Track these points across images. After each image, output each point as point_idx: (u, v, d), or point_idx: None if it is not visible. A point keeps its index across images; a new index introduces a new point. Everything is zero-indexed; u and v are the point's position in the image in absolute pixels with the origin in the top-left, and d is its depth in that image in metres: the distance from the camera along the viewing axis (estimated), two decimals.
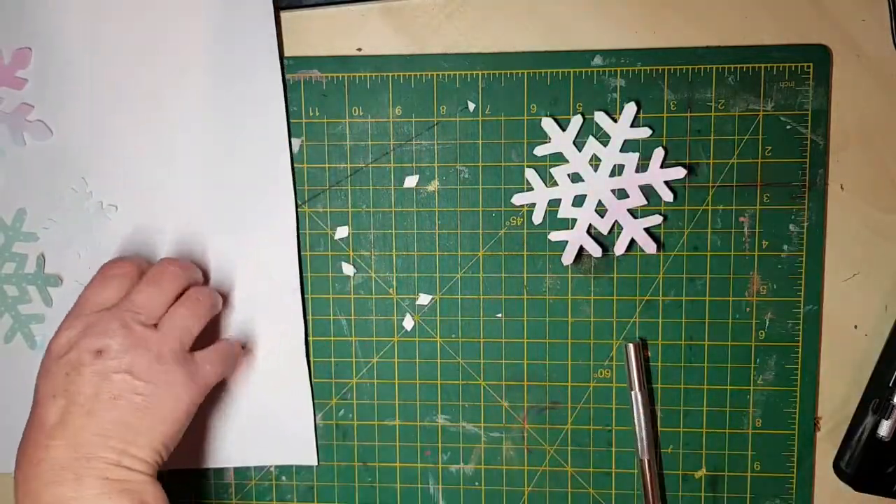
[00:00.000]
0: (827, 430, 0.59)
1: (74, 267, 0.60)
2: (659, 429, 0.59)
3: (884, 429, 0.55)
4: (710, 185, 0.57)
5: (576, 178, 0.58)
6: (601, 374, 0.59)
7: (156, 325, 0.53)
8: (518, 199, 0.58)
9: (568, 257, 0.58)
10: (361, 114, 0.59)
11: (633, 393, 0.58)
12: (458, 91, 0.58)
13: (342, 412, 0.61)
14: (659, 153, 0.57)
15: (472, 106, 0.58)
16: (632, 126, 0.57)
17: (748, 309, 0.58)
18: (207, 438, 0.61)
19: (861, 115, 0.56)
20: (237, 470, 0.62)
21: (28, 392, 0.52)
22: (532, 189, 0.58)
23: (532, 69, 0.57)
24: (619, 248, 0.58)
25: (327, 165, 0.59)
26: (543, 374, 0.60)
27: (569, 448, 0.60)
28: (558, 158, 0.58)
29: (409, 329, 0.60)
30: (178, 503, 0.62)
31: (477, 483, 0.61)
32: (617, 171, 0.57)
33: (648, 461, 0.58)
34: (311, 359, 0.61)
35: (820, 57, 0.56)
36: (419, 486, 0.61)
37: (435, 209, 0.59)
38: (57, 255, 0.60)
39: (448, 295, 0.60)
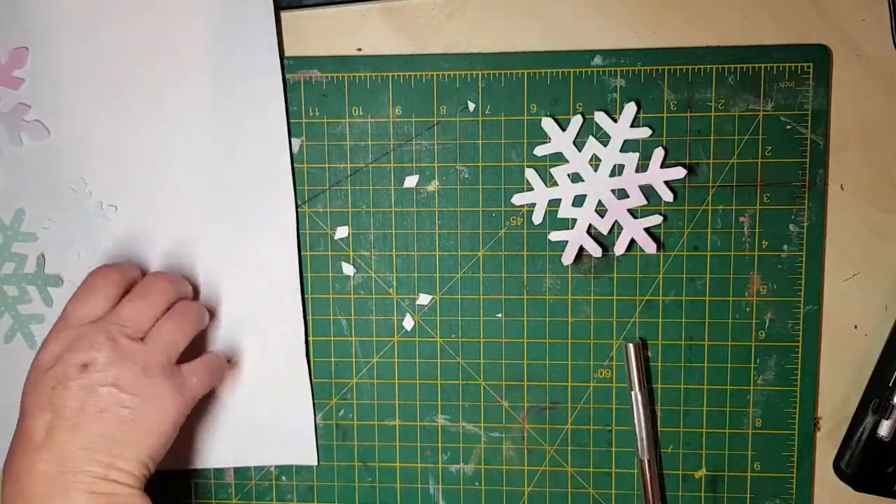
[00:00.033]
0: (827, 430, 0.59)
1: (74, 267, 0.60)
2: (659, 429, 0.59)
3: (884, 429, 0.55)
4: (710, 185, 0.57)
5: (576, 178, 0.58)
6: (601, 374, 0.59)
7: (142, 339, 0.53)
8: (518, 199, 0.58)
9: (568, 257, 0.58)
10: (361, 114, 0.59)
11: (633, 393, 0.58)
12: (458, 91, 0.58)
13: (342, 412, 0.61)
14: (659, 153, 0.57)
15: (472, 106, 0.58)
16: (632, 126, 0.57)
17: (748, 309, 0.58)
18: (207, 438, 0.61)
19: (861, 115, 0.56)
20: (237, 470, 0.62)
21: None
22: (532, 189, 0.58)
23: (532, 69, 0.57)
24: (619, 248, 0.58)
25: (327, 165, 0.59)
26: (543, 374, 0.60)
27: (569, 448, 0.60)
28: (558, 158, 0.58)
29: (409, 329, 0.60)
30: (178, 503, 0.62)
31: (477, 483, 0.61)
32: (617, 171, 0.57)
33: (648, 461, 0.58)
34: (311, 359, 0.61)
35: (820, 57, 0.56)
36: (419, 486, 0.61)
37: (435, 209, 0.59)
38: (57, 255, 0.60)
39: (448, 295, 0.60)
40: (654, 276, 0.58)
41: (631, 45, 0.57)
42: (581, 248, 0.58)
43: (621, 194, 0.57)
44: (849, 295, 0.58)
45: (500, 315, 0.59)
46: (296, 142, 0.59)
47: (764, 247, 0.57)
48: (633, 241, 0.58)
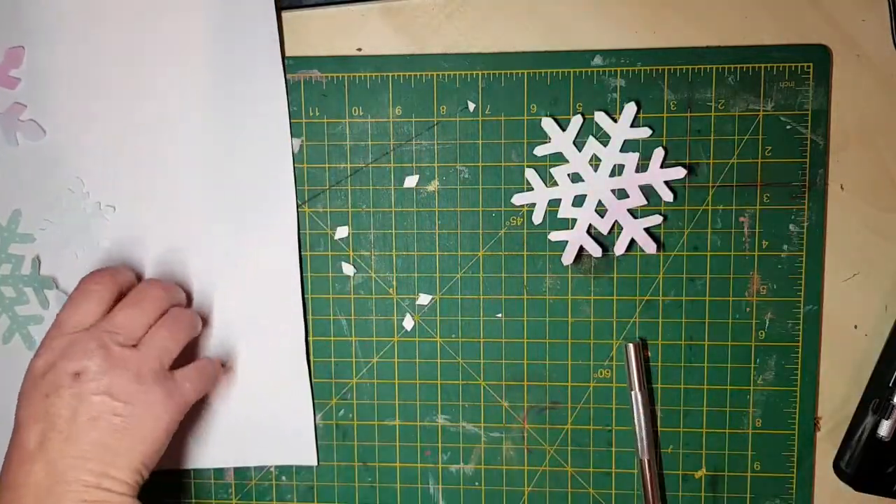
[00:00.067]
0: (827, 430, 0.59)
1: (71, 267, 0.60)
2: (659, 429, 0.59)
3: (884, 429, 0.55)
4: (710, 185, 0.57)
5: (576, 178, 0.58)
6: (601, 374, 0.59)
7: (135, 346, 0.53)
8: (518, 199, 0.58)
9: (568, 257, 0.58)
10: (361, 114, 0.59)
11: (633, 393, 0.58)
12: (458, 91, 0.58)
13: (342, 412, 0.61)
14: (659, 153, 0.57)
15: (472, 106, 0.58)
16: (632, 126, 0.57)
17: (748, 309, 0.58)
18: (207, 438, 0.61)
19: (861, 115, 0.56)
20: (237, 470, 0.62)
21: None
22: (532, 189, 0.58)
23: (532, 69, 0.57)
24: (619, 248, 0.58)
25: (327, 165, 0.59)
26: (543, 374, 0.60)
27: (569, 448, 0.60)
28: (558, 158, 0.58)
29: (409, 329, 0.60)
30: (178, 503, 0.62)
31: (477, 483, 0.61)
32: (617, 171, 0.57)
33: (648, 461, 0.58)
34: (311, 359, 0.61)
35: (820, 57, 0.56)
36: (419, 486, 0.61)
37: (435, 209, 0.59)
38: (54, 255, 0.60)
39: (448, 295, 0.60)
40: (654, 276, 0.58)
41: (631, 45, 0.57)
42: (581, 248, 0.58)
43: (621, 194, 0.57)
44: (849, 295, 0.58)
45: (500, 315, 0.59)
46: (296, 142, 0.59)
47: (764, 247, 0.57)
48: (633, 241, 0.58)
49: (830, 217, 0.57)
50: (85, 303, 0.53)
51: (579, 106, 0.57)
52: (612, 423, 0.60)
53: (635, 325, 0.59)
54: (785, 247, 0.57)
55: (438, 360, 0.60)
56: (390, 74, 0.58)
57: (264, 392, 0.60)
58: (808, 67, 0.56)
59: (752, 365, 0.58)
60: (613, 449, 0.60)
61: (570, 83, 0.57)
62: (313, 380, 0.61)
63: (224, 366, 0.60)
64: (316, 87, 0.59)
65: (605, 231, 0.58)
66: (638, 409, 0.58)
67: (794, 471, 0.59)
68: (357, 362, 0.60)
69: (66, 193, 0.60)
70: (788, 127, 0.56)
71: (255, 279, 0.59)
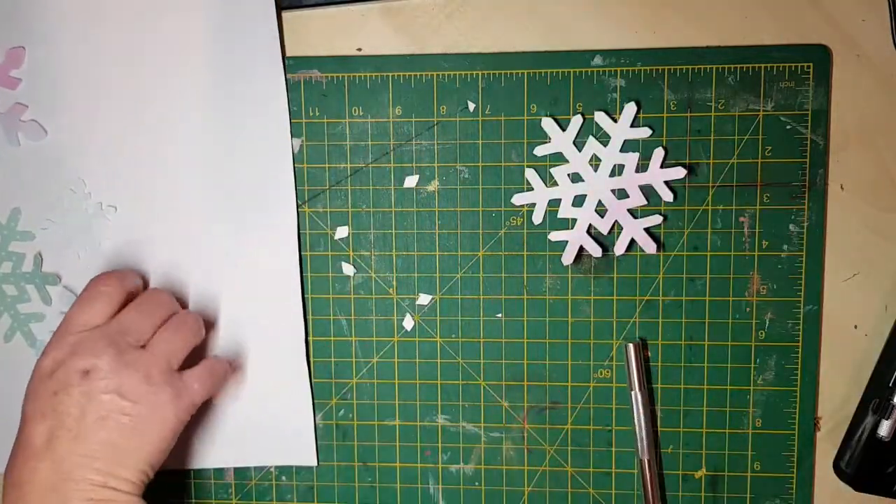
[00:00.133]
0: (827, 430, 0.59)
1: (74, 267, 0.60)
2: (659, 429, 0.59)
3: (884, 429, 0.55)
4: (710, 185, 0.57)
5: (576, 178, 0.58)
6: (601, 374, 0.59)
7: (143, 346, 0.53)
8: (518, 199, 0.58)
9: (568, 257, 0.58)
10: (361, 114, 0.59)
11: (633, 393, 0.58)
12: (458, 91, 0.58)
13: (342, 412, 0.61)
14: (659, 153, 0.57)
15: (472, 106, 0.58)
16: (632, 126, 0.57)
17: (748, 309, 0.58)
18: (208, 438, 0.61)
19: (861, 115, 0.56)
20: (237, 470, 0.62)
21: None
22: (532, 189, 0.58)
23: (532, 69, 0.57)
24: (619, 248, 0.58)
25: (327, 165, 0.59)
26: (543, 374, 0.60)
27: (569, 448, 0.60)
28: (558, 158, 0.58)
29: (409, 329, 0.60)
30: (178, 503, 0.62)
31: (477, 483, 0.61)
32: (617, 171, 0.57)
33: (648, 461, 0.58)
34: (311, 359, 0.61)
35: (820, 57, 0.56)
36: (419, 486, 0.61)
37: (435, 209, 0.59)
38: (56, 255, 0.60)
39: (448, 295, 0.60)
40: (654, 276, 0.58)
41: (631, 45, 0.57)
42: (581, 248, 0.58)
43: (621, 194, 0.57)
44: (849, 295, 0.58)
45: (500, 315, 0.59)
46: (296, 142, 0.59)
47: (764, 247, 0.57)
48: (633, 241, 0.58)
49: (830, 217, 0.57)
50: (94, 303, 0.54)
51: (579, 106, 0.57)
52: (612, 423, 0.60)
53: (635, 325, 0.59)
54: (785, 247, 0.57)
55: (438, 360, 0.60)
56: (390, 74, 0.58)
57: (264, 392, 0.60)
58: (808, 67, 0.56)
59: (752, 365, 0.58)
60: (613, 449, 0.60)
61: (570, 83, 0.57)
62: (313, 380, 0.61)
63: (232, 365, 0.59)
64: (316, 87, 0.59)
65: (605, 231, 0.58)
66: (638, 409, 0.58)
67: (794, 471, 0.59)
68: (357, 362, 0.60)
69: (67, 193, 0.60)
70: (788, 127, 0.56)
71: (255, 279, 0.59)
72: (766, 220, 0.57)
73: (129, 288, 0.55)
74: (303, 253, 0.60)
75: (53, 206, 0.60)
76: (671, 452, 0.60)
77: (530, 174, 0.58)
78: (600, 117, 0.57)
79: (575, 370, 0.59)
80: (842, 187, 0.57)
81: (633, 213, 0.58)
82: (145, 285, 0.59)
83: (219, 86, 0.58)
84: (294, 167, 0.59)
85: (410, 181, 0.59)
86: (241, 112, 0.58)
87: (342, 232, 0.60)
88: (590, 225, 0.58)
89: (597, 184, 0.57)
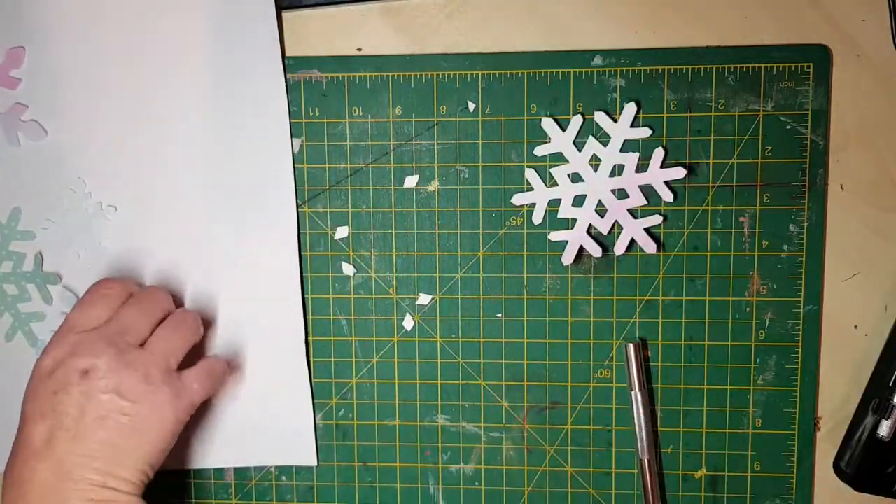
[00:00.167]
0: (827, 430, 0.59)
1: (74, 267, 0.60)
2: (659, 429, 0.59)
3: (884, 429, 0.55)
4: (710, 185, 0.57)
5: (576, 178, 0.58)
6: (601, 374, 0.59)
7: (142, 346, 0.53)
8: (518, 199, 0.58)
9: (568, 257, 0.58)
10: (361, 114, 0.59)
11: (633, 393, 0.58)
12: (458, 91, 0.58)
13: (342, 412, 0.61)
14: (659, 153, 0.57)
15: (472, 106, 0.58)
16: (632, 126, 0.57)
17: (748, 309, 0.58)
18: (208, 438, 0.61)
19: (861, 115, 0.56)
20: (237, 470, 0.62)
21: None
22: (532, 189, 0.58)
23: (532, 69, 0.57)
24: (619, 248, 0.58)
25: (327, 165, 0.59)
26: (543, 374, 0.60)
27: (569, 448, 0.60)
28: (558, 158, 0.58)
29: (409, 329, 0.60)
30: (178, 503, 0.62)
31: (477, 483, 0.61)
32: (617, 171, 0.57)
33: (648, 461, 0.58)
34: (311, 359, 0.61)
35: (820, 57, 0.56)
36: (419, 486, 0.61)
37: (435, 209, 0.59)
38: (56, 255, 0.60)
39: (448, 295, 0.60)
40: (654, 276, 0.58)
41: (631, 45, 0.57)
42: (581, 248, 0.58)
43: (621, 194, 0.57)
44: (849, 295, 0.58)
45: (500, 315, 0.59)
46: (296, 142, 0.59)
47: (764, 247, 0.57)
48: (633, 241, 0.58)
49: (830, 217, 0.57)
50: (95, 306, 0.54)
51: (579, 106, 0.57)
52: (612, 423, 0.60)
53: (635, 325, 0.59)
54: (785, 247, 0.57)
55: (438, 360, 0.60)
56: (390, 74, 0.58)
57: (264, 392, 0.60)
58: (808, 67, 0.56)
59: (752, 365, 0.58)
60: (613, 449, 0.60)
61: (570, 83, 0.57)
62: (313, 380, 0.61)
63: (230, 364, 0.60)
64: (316, 87, 0.59)
65: (605, 231, 0.58)
66: (638, 409, 0.58)
67: (794, 471, 0.59)
68: (357, 362, 0.61)
69: (68, 193, 0.60)
70: (788, 127, 0.56)
71: (255, 279, 0.59)
72: (766, 220, 0.57)
73: (130, 293, 0.55)
74: (303, 253, 0.60)
75: (54, 205, 0.60)
76: (671, 452, 0.60)
77: (530, 174, 0.58)
78: (600, 117, 0.57)
79: (575, 370, 0.59)
80: (842, 187, 0.57)
81: (633, 213, 0.58)
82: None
83: (219, 86, 0.58)
84: (294, 167, 0.59)
85: (410, 181, 0.59)
86: (241, 112, 0.58)
87: (342, 232, 0.60)
88: (590, 225, 0.58)
89: (597, 184, 0.57)
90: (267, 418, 0.61)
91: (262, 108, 0.58)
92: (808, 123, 0.56)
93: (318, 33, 0.59)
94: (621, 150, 0.57)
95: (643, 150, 0.57)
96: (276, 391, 0.60)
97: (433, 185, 0.59)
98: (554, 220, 0.58)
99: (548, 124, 0.57)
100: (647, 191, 0.57)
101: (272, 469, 0.62)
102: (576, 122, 0.57)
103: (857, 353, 0.58)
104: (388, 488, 0.61)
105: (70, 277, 0.60)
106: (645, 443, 0.58)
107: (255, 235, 0.59)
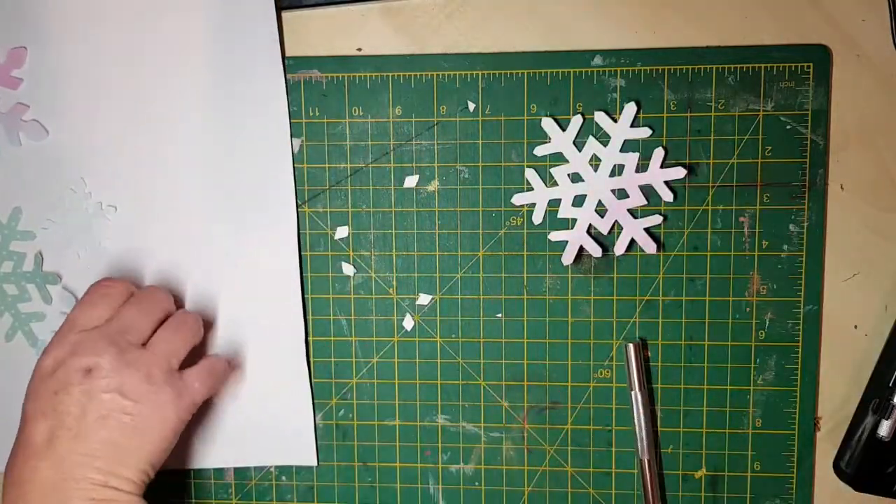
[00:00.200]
0: (827, 430, 0.59)
1: (74, 267, 0.60)
2: (659, 429, 0.59)
3: (884, 429, 0.55)
4: (710, 185, 0.57)
5: (576, 178, 0.58)
6: (601, 374, 0.59)
7: (143, 345, 0.53)
8: (518, 199, 0.58)
9: (568, 257, 0.58)
10: (361, 114, 0.59)
11: (633, 393, 0.58)
12: (458, 91, 0.58)
13: (342, 412, 0.61)
14: (659, 153, 0.57)
15: (472, 106, 0.58)
16: (632, 126, 0.57)
17: (748, 309, 0.58)
18: (208, 438, 0.61)
19: (861, 115, 0.56)
20: (237, 470, 0.62)
21: None
22: (532, 189, 0.58)
23: (532, 69, 0.57)
24: (619, 248, 0.58)
25: (327, 165, 0.59)
26: (543, 374, 0.60)
27: (569, 448, 0.60)
28: (558, 158, 0.58)
29: (409, 329, 0.60)
30: (179, 503, 0.62)
31: (477, 483, 0.61)
32: (617, 171, 0.57)
33: (648, 461, 0.58)
34: (311, 359, 0.61)
35: (820, 57, 0.56)
36: (419, 486, 0.61)
37: (435, 209, 0.59)
38: (56, 255, 0.60)
39: (448, 295, 0.60)
40: (654, 276, 0.58)
41: (631, 45, 0.57)
42: (581, 248, 0.58)
43: (621, 194, 0.57)
44: (849, 295, 0.58)
45: (500, 315, 0.59)
46: (296, 142, 0.59)
47: (764, 247, 0.57)
48: (633, 241, 0.58)
49: (830, 217, 0.57)
50: (97, 305, 0.54)
51: (579, 106, 0.57)
52: (612, 423, 0.60)
53: (635, 325, 0.59)
54: (785, 247, 0.57)
55: (438, 360, 0.60)
56: (390, 74, 0.58)
57: (264, 392, 0.60)
58: (808, 67, 0.56)
59: (752, 365, 0.58)
60: (613, 449, 0.60)
61: (570, 83, 0.57)
62: (313, 380, 0.61)
63: (231, 364, 0.59)
64: (316, 87, 0.59)
65: (605, 231, 0.58)
66: (638, 409, 0.58)
67: (794, 471, 0.59)
68: (357, 362, 0.61)
69: (68, 193, 0.60)
70: (788, 127, 0.56)
71: (255, 279, 0.59)
72: (766, 220, 0.57)
73: (130, 294, 0.55)
74: (303, 253, 0.60)
75: (54, 205, 0.60)
76: (671, 452, 0.60)
77: (530, 174, 0.58)
78: (600, 117, 0.57)
79: (575, 370, 0.59)
80: (842, 187, 0.57)
81: (633, 213, 0.58)
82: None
83: (219, 86, 0.58)
84: (294, 167, 0.59)
85: (410, 181, 0.59)
86: (241, 112, 0.58)
87: (342, 232, 0.60)
88: (590, 225, 0.58)
89: (597, 184, 0.57)
90: (267, 418, 0.61)
91: (262, 108, 0.58)
92: (808, 123, 0.56)
93: (318, 33, 0.59)
94: (621, 150, 0.57)
95: (643, 150, 0.57)
96: (276, 391, 0.60)
97: (433, 185, 0.59)
98: (554, 220, 0.58)
99: (548, 124, 0.57)
100: (647, 191, 0.57)
101: (272, 469, 0.62)
102: (576, 122, 0.57)
103: (857, 353, 0.58)
104: (388, 488, 0.61)
105: (70, 277, 0.60)
106: (645, 443, 0.58)
107: (255, 235, 0.59)
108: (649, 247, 0.57)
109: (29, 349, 0.61)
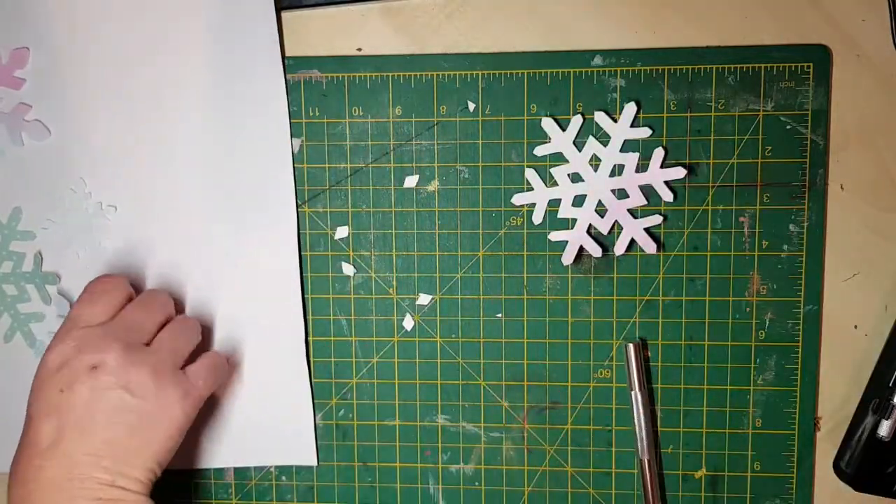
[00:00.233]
0: (827, 430, 0.59)
1: (74, 267, 0.60)
2: (659, 429, 0.59)
3: (884, 429, 0.55)
4: (710, 185, 0.57)
5: (576, 178, 0.58)
6: (601, 374, 0.59)
7: (147, 345, 0.53)
8: (518, 199, 0.58)
9: (568, 257, 0.58)
10: (361, 114, 0.59)
11: (633, 393, 0.58)
12: (458, 91, 0.58)
13: (342, 412, 0.61)
14: (659, 153, 0.57)
15: (472, 106, 0.58)
16: (632, 126, 0.57)
17: (748, 309, 0.58)
18: (208, 438, 0.61)
19: (861, 115, 0.56)
20: (237, 470, 0.62)
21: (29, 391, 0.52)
22: (532, 189, 0.58)
23: (532, 69, 0.57)
24: (619, 248, 0.58)
25: (327, 165, 0.59)
26: (543, 374, 0.60)
27: (569, 448, 0.60)
28: (558, 158, 0.58)
29: (409, 329, 0.60)
30: (179, 503, 0.62)
31: (477, 483, 0.61)
32: (617, 171, 0.57)
33: (648, 461, 0.58)
34: (311, 359, 0.61)
35: (820, 57, 0.56)
36: (419, 486, 0.61)
37: (435, 209, 0.59)
38: (56, 255, 0.60)
39: (448, 295, 0.60)
40: (654, 276, 0.58)
41: (631, 45, 0.57)
42: (581, 248, 0.58)
43: (621, 194, 0.57)
44: (849, 295, 0.58)
45: (500, 315, 0.59)
46: (296, 142, 0.59)
47: (764, 247, 0.57)
48: (633, 241, 0.58)
49: (830, 217, 0.57)
50: (98, 301, 0.53)
51: (579, 106, 0.57)
52: (612, 423, 0.60)
53: (635, 325, 0.59)
54: (785, 247, 0.57)
55: (438, 360, 0.60)
56: (390, 74, 0.58)
57: (264, 392, 0.60)
58: (808, 67, 0.56)
59: (752, 365, 0.58)
60: (613, 449, 0.60)
61: (570, 83, 0.57)
62: (313, 380, 0.61)
63: (229, 361, 0.59)
64: (316, 87, 0.59)
65: (605, 231, 0.58)
66: (638, 409, 0.58)
67: (794, 471, 0.59)
68: (357, 362, 0.61)
69: (68, 193, 0.60)
70: (788, 127, 0.56)
71: (255, 279, 0.59)
72: (766, 220, 0.57)
73: (128, 293, 0.55)
74: (303, 253, 0.60)
75: (54, 205, 0.60)
76: (671, 452, 0.60)
77: (530, 174, 0.58)
78: (600, 117, 0.57)
79: (575, 370, 0.59)
80: (842, 187, 0.57)
81: (633, 213, 0.58)
82: (142, 289, 0.59)
83: (219, 86, 0.58)
84: (294, 167, 0.59)
85: (410, 181, 0.59)
86: (241, 112, 0.58)
87: (342, 232, 0.60)
88: (590, 225, 0.58)
89: (597, 184, 0.57)
90: (267, 418, 0.61)
91: (262, 108, 0.58)
92: (808, 123, 0.56)
93: (318, 33, 0.59)
94: (621, 150, 0.57)
95: (643, 150, 0.57)
96: (276, 391, 0.60)
97: (433, 185, 0.59)
98: (554, 220, 0.58)
99: (548, 124, 0.57)
100: (647, 191, 0.57)
101: (272, 469, 0.62)
102: (576, 122, 0.57)
103: (857, 353, 0.58)
104: (388, 488, 0.61)
105: (70, 277, 0.60)
106: (645, 443, 0.58)
107: (255, 235, 0.59)
108: (649, 247, 0.57)
109: (28, 350, 0.61)
